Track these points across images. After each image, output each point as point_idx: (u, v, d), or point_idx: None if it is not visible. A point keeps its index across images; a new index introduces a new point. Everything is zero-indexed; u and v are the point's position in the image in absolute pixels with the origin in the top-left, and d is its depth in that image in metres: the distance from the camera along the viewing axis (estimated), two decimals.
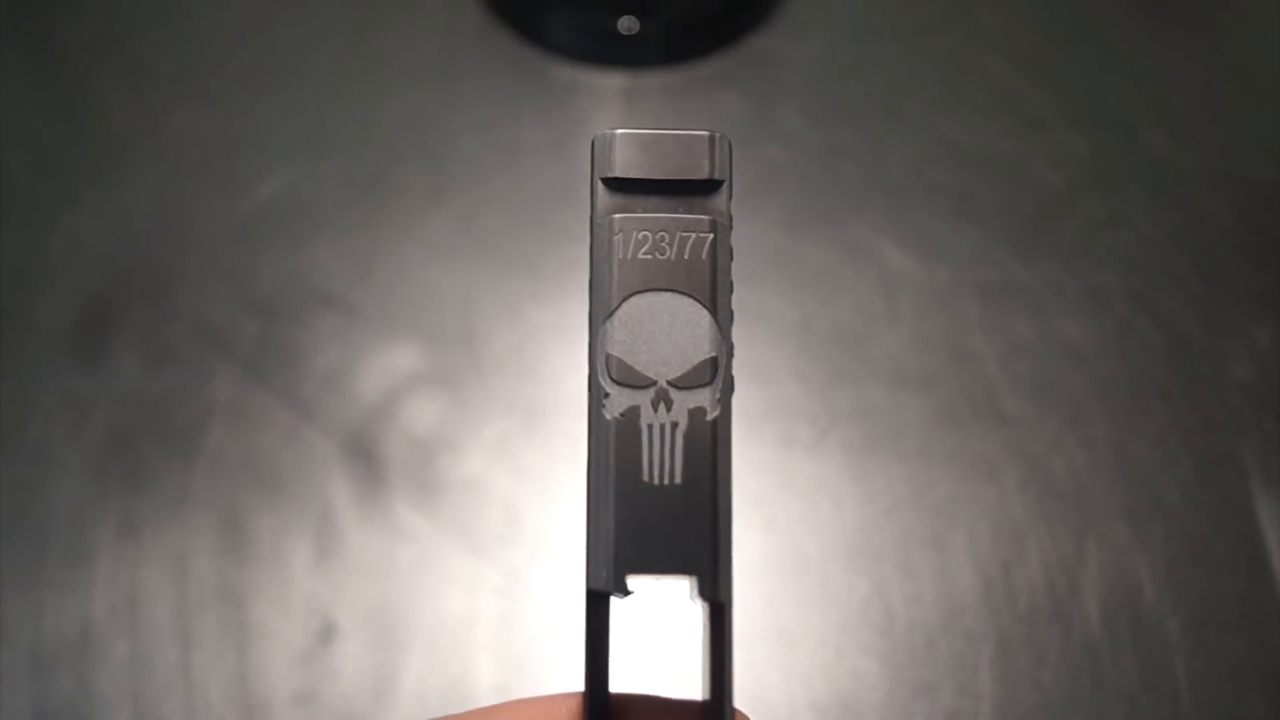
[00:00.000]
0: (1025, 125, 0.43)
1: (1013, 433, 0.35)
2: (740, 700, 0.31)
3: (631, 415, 0.15)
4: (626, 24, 0.44)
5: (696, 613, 0.16)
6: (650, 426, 0.15)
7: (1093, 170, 0.42)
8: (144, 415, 0.36)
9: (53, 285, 0.39)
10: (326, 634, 0.32)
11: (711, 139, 0.16)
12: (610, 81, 0.44)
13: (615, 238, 0.15)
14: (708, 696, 0.15)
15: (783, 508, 0.34)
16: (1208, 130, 0.43)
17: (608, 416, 0.15)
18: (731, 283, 0.16)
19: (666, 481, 0.15)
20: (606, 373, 0.15)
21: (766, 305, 0.38)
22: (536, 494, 0.35)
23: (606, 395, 0.15)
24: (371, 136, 0.43)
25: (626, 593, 0.15)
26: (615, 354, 0.15)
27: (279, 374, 0.37)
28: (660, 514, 0.15)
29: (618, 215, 0.15)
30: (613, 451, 0.15)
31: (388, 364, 0.37)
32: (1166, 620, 0.32)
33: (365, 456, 0.35)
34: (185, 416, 0.36)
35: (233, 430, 0.36)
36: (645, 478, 0.15)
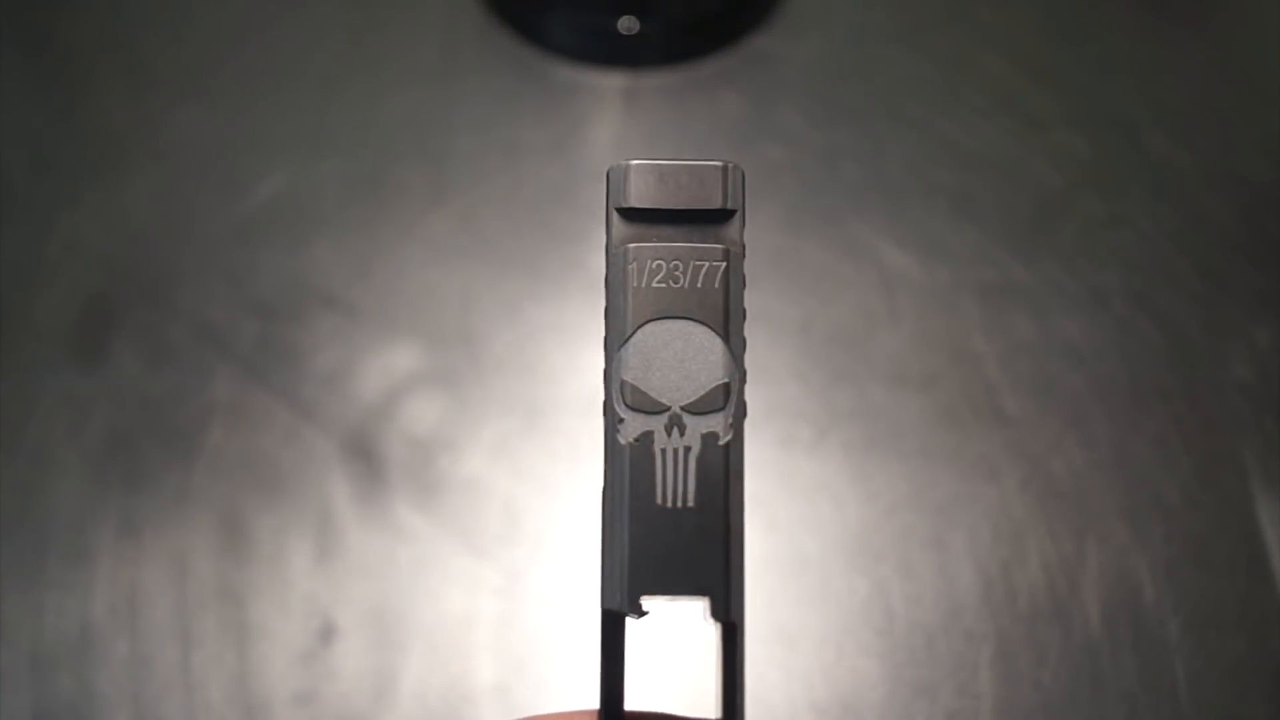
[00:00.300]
0: (1025, 125, 0.43)
1: (1013, 433, 0.35)
2: None
3: (646, 440, 0.15)
4: (626, 24, 0.44)
5: (711, 633, 0.16)
6: (664, 451, 0.15)
7: (1093, 170, 0.42)
8: (144, 415, 0.36)
9: (52, 285, 0.39)
10: (326, 634, 0.32)
11: (724, 169, 0.16)
12: (610, 81, 0.44)
13: (630, 266, 0.16)
14: (720, 715, 0.15)
15: (783, 508, 0.34)
16: (1208, 130, 0.43)
17: (622, 441, 0.15)
18: (745, 310, 0.16)
19: (680, 504, 0.15)
20: (621, 399, 0.15)
21: (766, 305, 0.38)
22: (536, 494, 0.35)
23: (621, 420, 0.15)
24: (371, 136, 0.43)
25: (641, 614, 0.15)
26: (630, 380, 0.15)
27: (279, 374, 0.37)
28: (673, 536, 0.15)
29: (632, 244, 0.16)
30: (627, 475, 0.15)
31: (387, 364, 0.37)
32: (1166, 620, 0.32)
33: (365, 456, 0.35)
34: (185, 416, 0.36)
35: (233, 430, 0.36)
36: (659, 501, 0.15)
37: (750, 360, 0.38)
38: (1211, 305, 0.38)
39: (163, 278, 0.39)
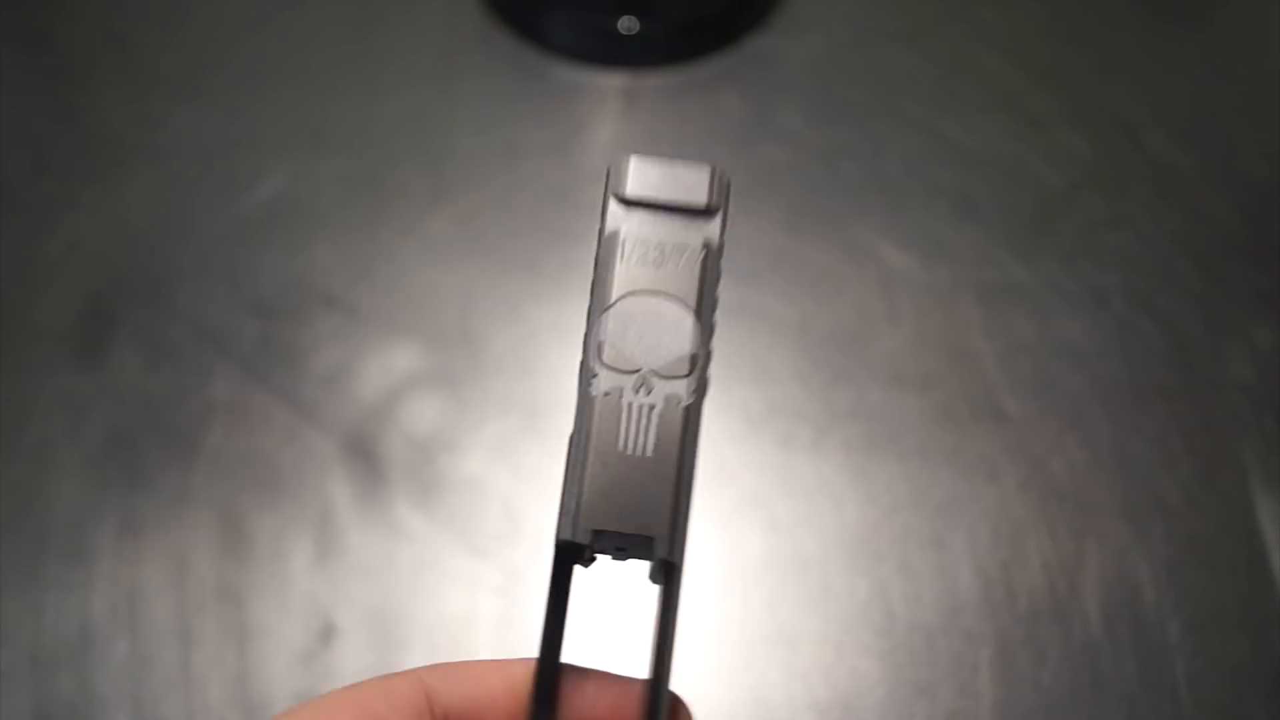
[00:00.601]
0: (1025, 125, 0.43)
1: (1013, 433, 0.35)
2: (741, 700, 0.31)
3: (615, 394, 0.17)
4: (626, 24, 0.44)
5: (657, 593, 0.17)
6: (630, 405, 0.17)
7: (1093, 170, 0.42)
8: (144, 415, 0.36)
9: (53, 285, 0.39)
10: (326, 634, 0.32)
11: (713, 172, 0.18)
12: (610, 81, 0.44)
13: (619, 247, 0.17)
14: (653, 658, 0.16)
15: (783, 508, 0.34)
16: (1208, 130, 0.43)
17: (594, 394, 0.17)
18: (717, 299, 0.18)
19: (639, 453, 0.16)
20: (598, 357, 0.17)
21: (766, 306, 0.38)
22: (536, 494, 0.35)
23: (595, 376, 0.17)
24: (372, 137, 0.43)
25: (590, 554, 0.17)
26: (607, 342, 0.17)
27: (279, 374, 0.37)
28: (629, 478, 0.16)
29: (623, 227, 0.18)
30: (594, 423, 0.17)
31: (387, 364, 0.37)
32: (1166, 620, 0.32)
33: (365, 456, 0.35)
34: (185, 416, 0.36)
35: (233, 430, 0.36)
36: (620, 447, 0.17)
37: (751, 360, 0.38)
38: (1211, 305, 0.38)
39: (163, 278, 0.39)
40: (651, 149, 0.45)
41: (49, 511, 0.34)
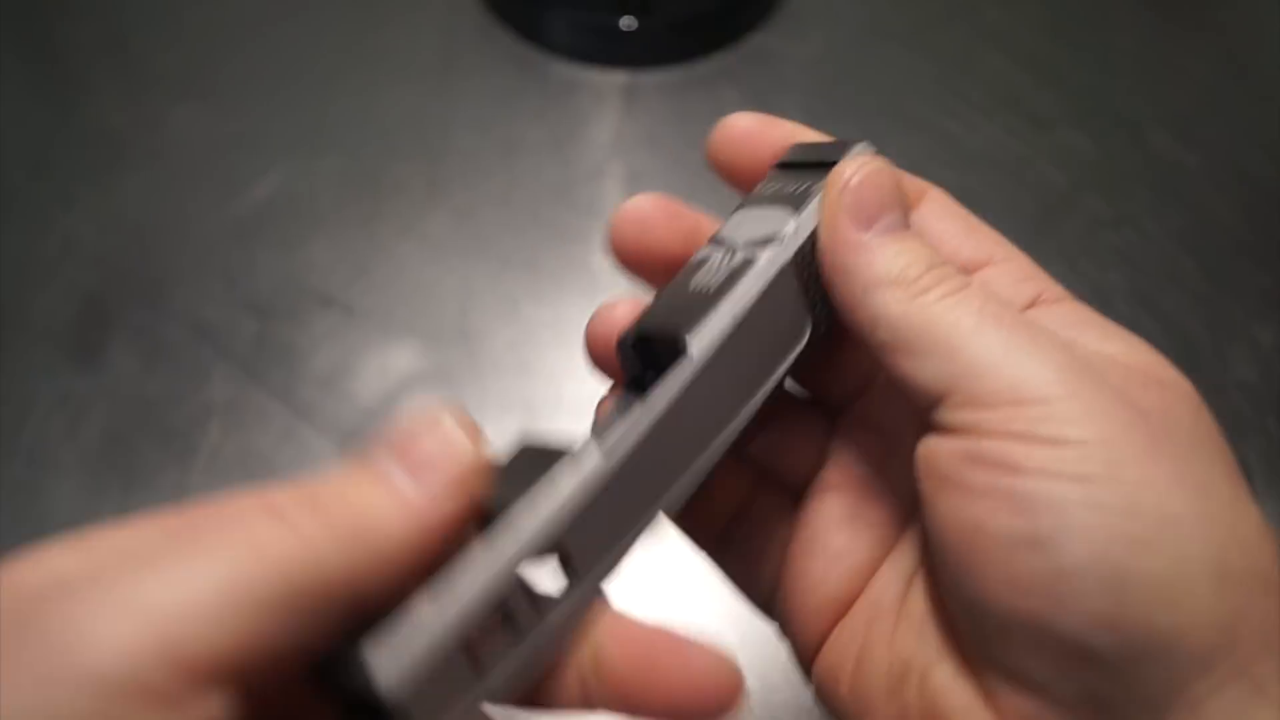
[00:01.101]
0: (1028, 124, 0.43)
1: None
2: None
3: (705, 257, 0.19)
4: (626, 22, 0.44)
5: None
6: (713, 262, 0.19)
7: (1096, 169, 0.42)
8: (141, 415, 0.36)
9: (49, 285, 0.39)
10: None
11: (847, 142, 0.20)
12: (610, 79, 0.44)
13: (762, 182, 0.20)
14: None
15: None
16: (1211, 130, 0.43)
17: (691, 261, 0.19)
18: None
19: (702, 290, 0.19)
20: (709, 242, 0.20)
21: None
22: None
23: (699, 250, 0.20)
24: (369, 135, 0.43)
25: (637, 351, 0.19)
26: (721, 234, 0.20)
27: (276, 373, 0.37)
28: (687, 302, 0.18)
29: (771, 177, 0.20)
30: (682, 274, 0.19)
31: (385, 363, 0.37)
32: None
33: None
34: (182, 416, 0.36)
35: (230, 430, 0.35)
36: (689, 287, 0.19)
37: None
38: (1215, 305, 0.38)
39: (160, 277, 0.39)
40: (652, 147, 0.45)
41: (46, 512, 0.34)
